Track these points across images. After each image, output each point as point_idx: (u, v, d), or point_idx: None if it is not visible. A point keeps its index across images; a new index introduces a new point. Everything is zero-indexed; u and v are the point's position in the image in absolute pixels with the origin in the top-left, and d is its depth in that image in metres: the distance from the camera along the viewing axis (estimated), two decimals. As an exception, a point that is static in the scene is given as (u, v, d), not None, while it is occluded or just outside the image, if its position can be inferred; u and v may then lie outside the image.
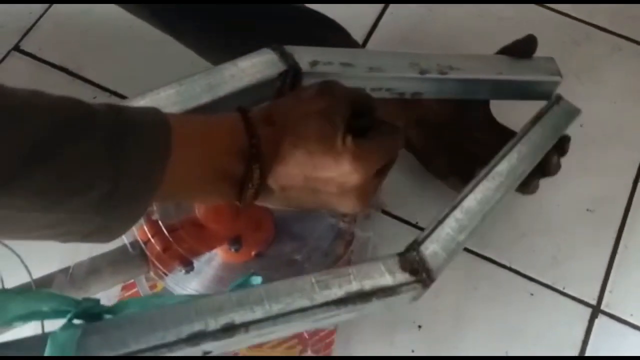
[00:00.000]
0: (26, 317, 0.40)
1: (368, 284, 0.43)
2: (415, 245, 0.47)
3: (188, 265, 0.51)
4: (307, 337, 0.56)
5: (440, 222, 0.48)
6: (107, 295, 0.55)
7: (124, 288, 0.56)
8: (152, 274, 0.52)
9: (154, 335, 0.38)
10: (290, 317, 0.41)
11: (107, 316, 0.41)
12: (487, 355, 0.58)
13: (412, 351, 0.57)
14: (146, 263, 0.49)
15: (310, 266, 0.57)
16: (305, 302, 0.41)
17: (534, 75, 0.60)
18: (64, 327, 0.38)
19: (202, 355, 0.40)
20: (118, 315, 0.41)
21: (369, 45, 0.74)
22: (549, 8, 0.78)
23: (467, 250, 0.62)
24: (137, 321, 0.39)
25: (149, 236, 0.49)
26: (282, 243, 0.57)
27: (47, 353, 0.36)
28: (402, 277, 0.44)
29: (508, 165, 0.52)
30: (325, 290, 0.42)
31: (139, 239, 0.49)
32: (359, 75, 0.53)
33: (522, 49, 0.60)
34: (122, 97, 0.68)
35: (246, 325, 0.40)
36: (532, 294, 0.61)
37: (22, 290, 0.43)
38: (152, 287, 0.57)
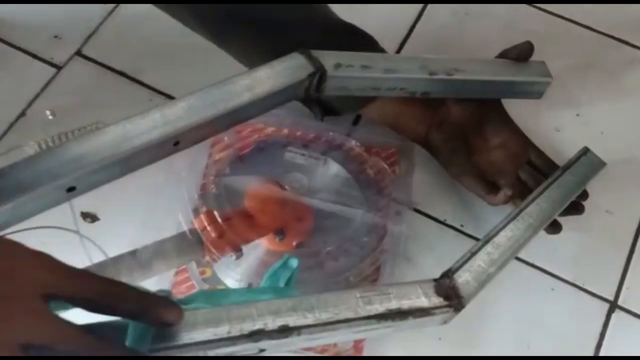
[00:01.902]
0: None
1: (406, 304, 0.47)
2: (450, 273, 0.51)
3: (238, 252, 0.56)
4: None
5: (474, 254, 0.53)
6: (163, 278, 0.60)
7: (177, 273, 0.62)
8: (206, 258, 0.57)
9: (220, 329, 0.42)
10: (337, 325, 0.45)
11: None
12: (506, 356, 0.62)
13: (440, 339, 0.62)
14: (202, 248, 0.55)
15: (345, 257, 0.62)
16: (350, 314, 0.46)
17: (528, 77, 0.67)
18: None
19: (255, 355, 0.44)
20: (187, 308, 0.44)
21: (402, 53, 0.79)
22: (574, 22, 0.82)
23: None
24: (205, 315, 0.42)
25: (205, 224, 0.55)
26: (321, 235, 0.62)
27: (128, 337, 0.40)
28: (437, 300, 0.49)
29: (538, 208, 0.58)
30: (368, 305, 0.46)
31: (196, 226, 0.55)
32: (376, 76, 0.59)
33: (519, 53, 0.66)
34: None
35: (299, 329, 0.44)
36: (553, 289, 0.65)
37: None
38: (202, 272, 0.62)
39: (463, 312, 0.63)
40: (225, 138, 0.67)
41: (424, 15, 0.82)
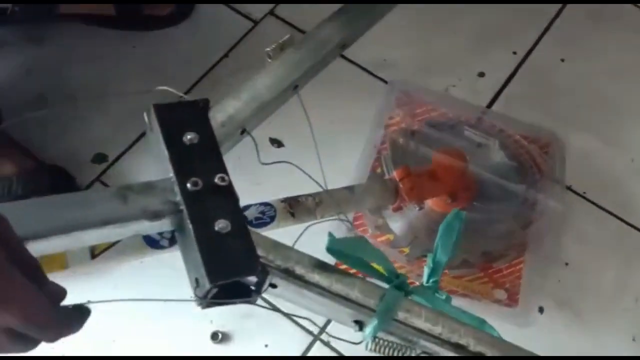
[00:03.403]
0: (359, 264, 0.51)
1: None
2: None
3: (421, 204, 0.66)
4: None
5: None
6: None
7: (354, 219, 0.72)
8: (390, 207, 0.67)
9: (435, 328, 0.48)
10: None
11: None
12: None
13: (559, 281, 0.72)
14: (395, 196, 0.65)
15: (501, 225, 0.71)
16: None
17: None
18: (392, 289, 0.49)
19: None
20: (414, 299, 0.51)
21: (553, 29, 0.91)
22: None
23: (613, 215, 0.77)
24: (427, 313, 0.48)
25: (402, 177, 0.64)
26: (480, 203, 0.72)
27: (382, 303, 0.47)
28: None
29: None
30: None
31: (395, 177, 0.65)
32: None
33: None
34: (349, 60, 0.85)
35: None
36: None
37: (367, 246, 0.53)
38: (375, 220, 0.72)
39: (581, 262, 0.75)
40: (400, 114, 0.77)
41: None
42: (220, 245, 0.42)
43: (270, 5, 0.88)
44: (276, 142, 0.78)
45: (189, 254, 0.44)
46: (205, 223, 0.43)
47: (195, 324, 0.68)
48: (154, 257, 0.63)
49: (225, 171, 0.46)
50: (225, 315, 0.69)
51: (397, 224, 0.70)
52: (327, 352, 0.68)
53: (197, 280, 0.43)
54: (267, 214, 0.55)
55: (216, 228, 0.43)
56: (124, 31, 0.83)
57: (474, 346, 0.48)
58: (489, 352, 0.48)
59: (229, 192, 0.45)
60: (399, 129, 0.76)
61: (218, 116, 0.52)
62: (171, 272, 0.73)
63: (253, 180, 0.73)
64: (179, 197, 0.44)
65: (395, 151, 0.73)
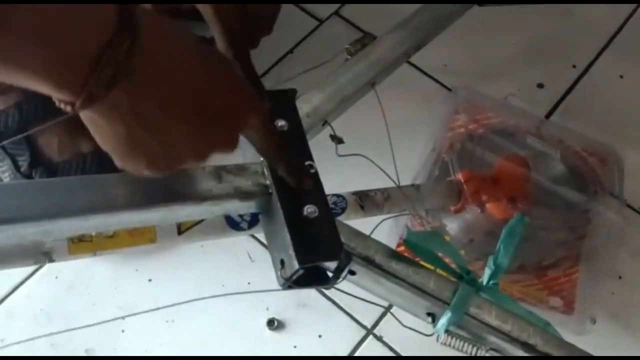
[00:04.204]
0: (433, 259, 0.53)
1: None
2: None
3: (482, 207, 0.67)
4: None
5: None
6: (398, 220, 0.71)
7: (411, 218, 0.73)
8: (451, 208, 0.68)
9: (504, 325, 0.49)
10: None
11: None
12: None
13: (612, 293, 0.72)
14: (458, 197, 0.66)
15: (558, 234, 0.72)
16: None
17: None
18: (465, 284, 0.51)
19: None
20: (484, 296, 0.53)
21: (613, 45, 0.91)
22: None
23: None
24: (499, 312, 0.50)
25: (467, 179, 0.66)
26: (538, 211, 0.72)
27: (455, 296, 0.49)
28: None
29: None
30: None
31: (460, 178, 0.66)
32: None
33: None
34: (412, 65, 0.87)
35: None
36: None
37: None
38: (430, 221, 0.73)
39: (634, 274, 0.74)
40: (463, 118, 0.79)
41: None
42: (308, 229, 0.44)
43: (336, 6, 0.90)
44: (336, 139, 0.80)
45: (275, 236, 0.45)
46: (295, 207, 0.45)
47: (251, 310, 0.70)
48: (214, 242, 0.66)
49: (312, 159, 0.48)
50: (281, 304, 0.70)
51: (453, 225, 0.71)
52: (379, 347, 0.69)
53: (282, 261, 0.44)
54: (339, 205, 0.57)
55: (305, 213, 0.44)
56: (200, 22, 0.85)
57: (542, 346, 0.49)
58: (555, 353, 0.49)
59: (315, 179, 0.47)
60: (463, 133, 0.78)
61: (304, 107, 0.54)
62: (228, 256, 0.76)
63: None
64: (269, 181, 0.45)
65: (459, 154, 0.74)
